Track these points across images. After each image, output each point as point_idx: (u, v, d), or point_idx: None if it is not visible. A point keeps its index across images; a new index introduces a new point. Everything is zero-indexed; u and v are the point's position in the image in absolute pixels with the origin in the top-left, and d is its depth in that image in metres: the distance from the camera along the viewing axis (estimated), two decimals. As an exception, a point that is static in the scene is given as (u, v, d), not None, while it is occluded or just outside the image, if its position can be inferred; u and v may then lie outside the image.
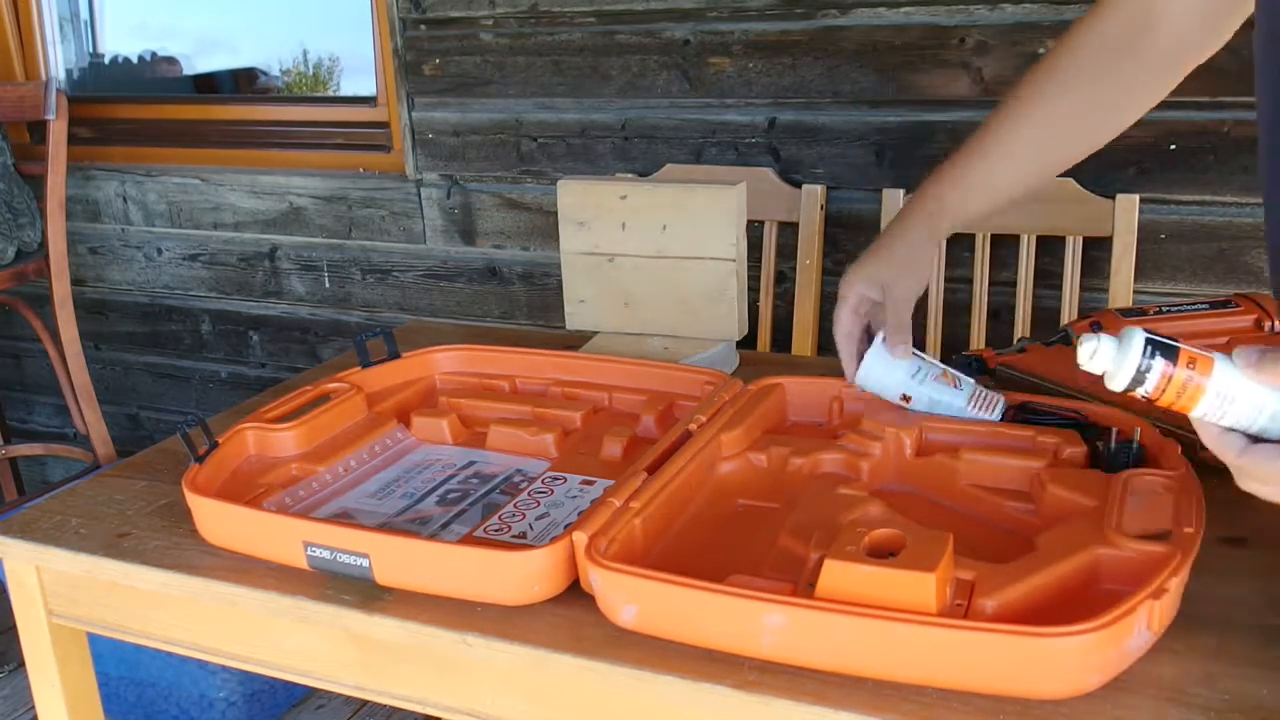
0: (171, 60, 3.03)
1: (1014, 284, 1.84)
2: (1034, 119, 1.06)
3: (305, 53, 2.98)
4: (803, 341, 1.96)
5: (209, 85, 3.05)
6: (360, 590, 0.94)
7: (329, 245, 2.42)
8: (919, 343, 1.88)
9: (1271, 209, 0.85)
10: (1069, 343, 1.28)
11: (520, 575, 0.88)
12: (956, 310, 1.90)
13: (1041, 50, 1.77)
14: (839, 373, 1.19)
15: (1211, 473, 1.00)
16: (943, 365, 1.12)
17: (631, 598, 0.83)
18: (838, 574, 0.79)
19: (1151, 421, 1.04)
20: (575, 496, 1.05)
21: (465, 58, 2.17)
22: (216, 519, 1.01)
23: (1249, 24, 1.64)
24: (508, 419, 1.21)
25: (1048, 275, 1.83)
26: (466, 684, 0.92)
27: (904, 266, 1.10)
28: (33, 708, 1.15)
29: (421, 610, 0.91)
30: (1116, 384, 0.73)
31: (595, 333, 1.47)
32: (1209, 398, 0.72)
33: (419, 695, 0.95)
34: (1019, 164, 1.09)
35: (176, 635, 1.05)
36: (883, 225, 1.88)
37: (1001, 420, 1.08)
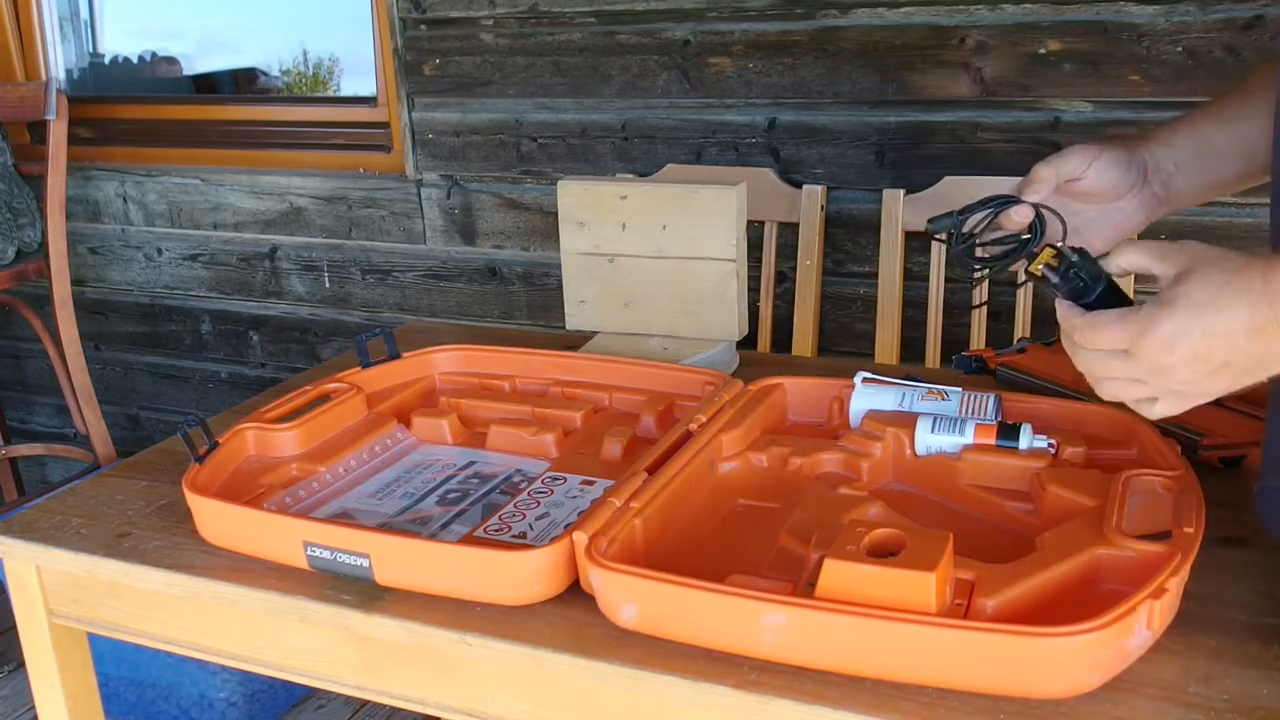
0: (171, 60, 3.03)
1: (1014, 284, 1.84)
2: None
3: (305, 53, 2.98)
4: (803, 341, 1.96)
5: (209, 85, 3.05)
6: (360, 590, 0.94)
7: (329, 245, 2.42)
8: (918, 343, 1.89)
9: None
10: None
11: (520, 575, 0.88)
12: (956, 310, 1.90)
13: (1042, 50, 1.76)
14: (839, 373, 1.19)
15: (1211, 473, 1.01)
16: (927, 385, 1.13)
17: (631, 598, 0.83)
18: (838, 574, 0.79)
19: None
20: (575, 496, 1.05)
21: (465, 58, 2.16)
22: (216, 519, 1.01)
23: (1246, 25, 1.65)
24: (508, 419, 1.21)
25: (1048, 275, 1.83)
26: (466, 684, 0.92)
27: (1107, 149, 1.02)
28: (33, 708, 1.16)
29: (421, 610, 0.91)
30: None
31: (595, 333, 1.47)
32: None
33: (419, 695, 0.95)
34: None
35: (176, 635, 1.05)
36: (883, 226, 1.88)
37: (998, 418, 1.08)
